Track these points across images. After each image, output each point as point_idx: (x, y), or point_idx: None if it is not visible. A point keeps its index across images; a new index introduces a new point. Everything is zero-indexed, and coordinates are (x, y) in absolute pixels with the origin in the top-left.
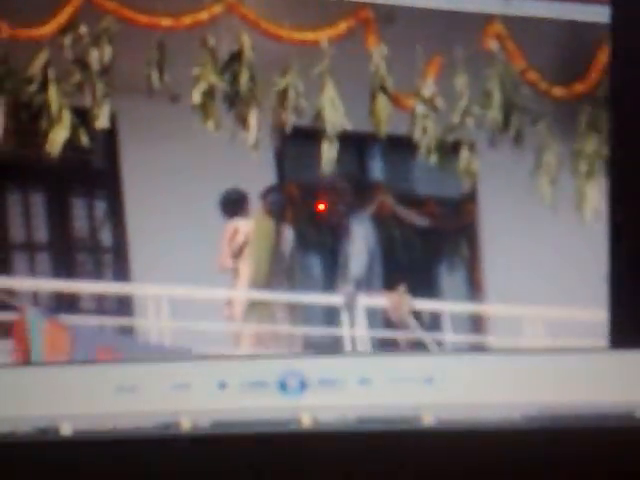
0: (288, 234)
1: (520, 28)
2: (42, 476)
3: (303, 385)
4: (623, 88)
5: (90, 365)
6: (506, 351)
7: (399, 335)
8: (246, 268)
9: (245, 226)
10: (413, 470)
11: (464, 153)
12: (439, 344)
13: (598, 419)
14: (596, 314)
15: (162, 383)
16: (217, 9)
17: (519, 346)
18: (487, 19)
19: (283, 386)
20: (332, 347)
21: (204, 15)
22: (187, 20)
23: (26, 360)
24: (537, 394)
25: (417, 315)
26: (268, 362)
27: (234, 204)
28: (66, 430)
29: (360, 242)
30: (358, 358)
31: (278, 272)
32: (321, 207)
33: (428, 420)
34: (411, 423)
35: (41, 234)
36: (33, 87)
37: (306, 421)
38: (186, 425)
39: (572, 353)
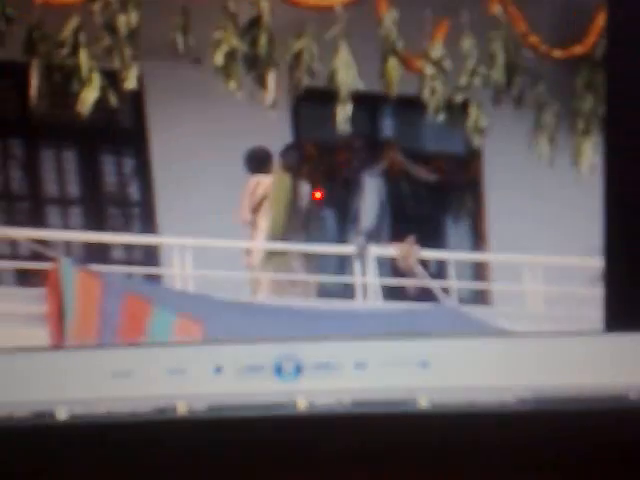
0: (304, 189)
1: None
2: (38, 459)
3: (299, 369)
4: (619, 49)
5: (86, 350)
6: (501, 334)
7: (407, 283)
8: (264, 221)
9: (265, 181)
10: (409, 452)
11: (473, 111)
12: (445, 291)
13: (593, 401)
14: (592, 261)
15: (158, 368)
16: None
17: (515, 330)
18: None
19: (279, 370)
20: (344, 294)
21: None
22: None
23: (59, 308)
24: (531, 377)
25: (424, 264)
26: (264, 346)
27: (258, 161)
28: (62, 414)
29: (372, 196)
30: (354, 342)
31: (294, 224)
32: (317, 195)
33: (423, 403)
34: (406, 406)
35: (73, 189)
36: (65, 51)
37: (302, 405)
38: (182, 409)
39: (567, 336)
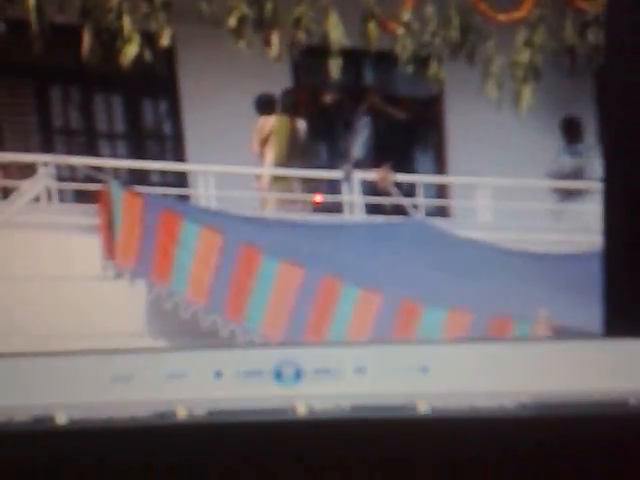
0: (301, 126)
1: None
2: (37, 465)
3: (298, 374)
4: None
5: (86, 354)
6: (500, 340)
7: (385, 201)
8: (270, 152)
9: (270, 121)
10: (408, 458)
11: (433, 64)
12: (414, 207)
13: (592, 407)
14: (532, 182)
15: (158, 372)
16: None
17: (516, 336)
18: None
19: (279, 375)
20: (335, 209)
21: None
22: None
23: (109, 221)
24: (531, 382)
25: (398, 185)
26: (263, 351)
27: (265, 104)
28: (61, 419)
29: (357, 131)
30: (353, 347)
31: (294, 154)
32: (317, 199)
33: (423, 408)
34: (406, 411)
35: (119, 126)
36: (112, 16)
37: (301, 410)
38: (182, 414)
39: (566, 341)
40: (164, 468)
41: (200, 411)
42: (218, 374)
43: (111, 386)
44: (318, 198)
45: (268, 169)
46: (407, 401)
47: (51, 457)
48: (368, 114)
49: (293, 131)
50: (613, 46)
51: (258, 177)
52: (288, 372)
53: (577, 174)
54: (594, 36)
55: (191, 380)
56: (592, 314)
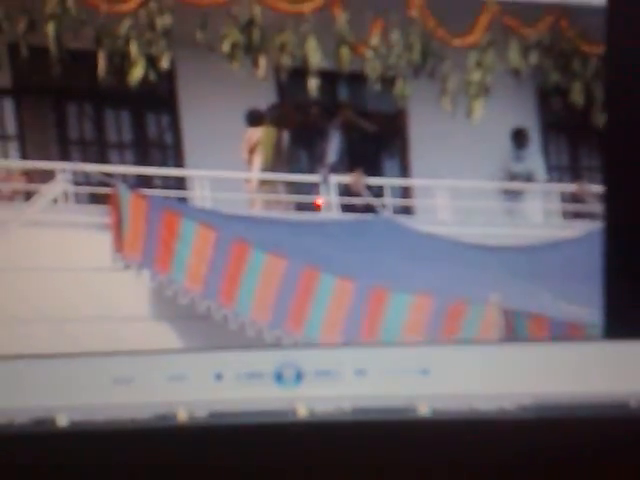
0: (285, 136)
1: (433, 0)
2: (39, 466)
3: (299, 376)
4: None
5: (86, 357)
6: (501, 342)
7: (357, 201)
8: (258, 159)
9: (258, 132)
10: (409, 459)
11: (398, 82)
12: (383, 206)
13: (593, 409)
14: (485, 183)
15: (158, 374)
16: None
17: (514, 339)
18: None
19: (279, 377)
20: (313, 209)
21: None
22: None
23: (118, 219)
24: (532, 384)
25: (369, 187)
26: (264, 353)
27: (253, 118)
28: (62, 421)
29: (333, 140)
30: (354, 349)
31: (279, 161)
32: (319, 202)
33: (423, 410)
34: (406, 413)
35: (127, 136)
36: (121, 42)
37: (302, 412)
38: (182, 416)
39: (567, 344)
40: (165, 469)
41: (201, 413)
42: (219, 376)
43: (112, 388)
44: (319, 201)
45: (256, 174)
46: (408, 403)
47: (52, 459)
48: (342, 126)
49: (278, 141)
50: (614, 49)
51: (247, 181)
52: (289, 374)
53: (524, 176)
54: (535, 58)
55: (192, 382)
56: (538, 299)
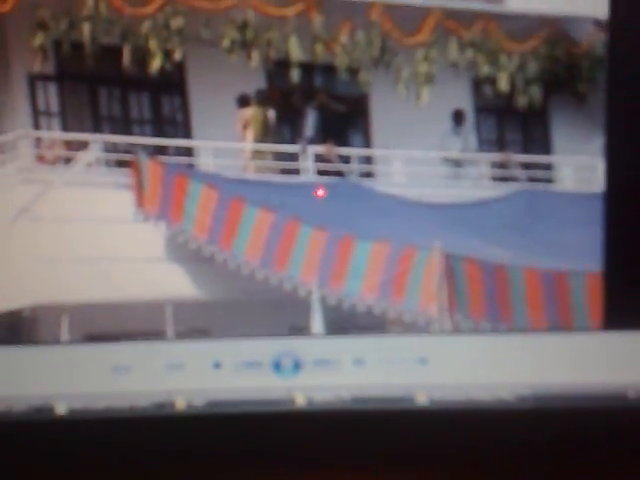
0: (271, 114)
1: (389, 7)
2: (37, 454)
3: (297, 365)
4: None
5: (85, 345)
6: (499, 332)
7: (329, 167)
8: (249, 133)
9: (248, 111)
10: (407, 449)
11: (362, 72)
12: (350, 172)
13: (591, 399)
14: (431, 153)
15: (157, 363)
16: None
17: (513, 327)
18: (372, 2)
19: (278, 366)
20: (294, 172)
21: (229, 2)
22: (221, 5)
23: (139, 181)
24: (530, 375)
25: (339, 156)
26: (263, 342)
27: (243, 101)
28: (61, 409)
29: (310, 118)
30: (352, 339)
31: (267, 135)
32: (320, 193)
33: (422, 400)
34: (405, 403)
35: (146, 114)
36: (142, 39)
37: (300, 401)
38: (181, 404)
39: (566, 334)
40: (163, 457)
41: (199, 402)
42: (217, 365)
43: (110, 376)
44: (320, 192)
45: (249, 145)
46: (406, 392)
47: (50, 447)
48: (317, 107)
49: (264, 118)
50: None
51: (242, 151)
52: (287, 363)
53: (461, 147)
54: (470, 54)
55: (190, 371)
56: (472, 245)
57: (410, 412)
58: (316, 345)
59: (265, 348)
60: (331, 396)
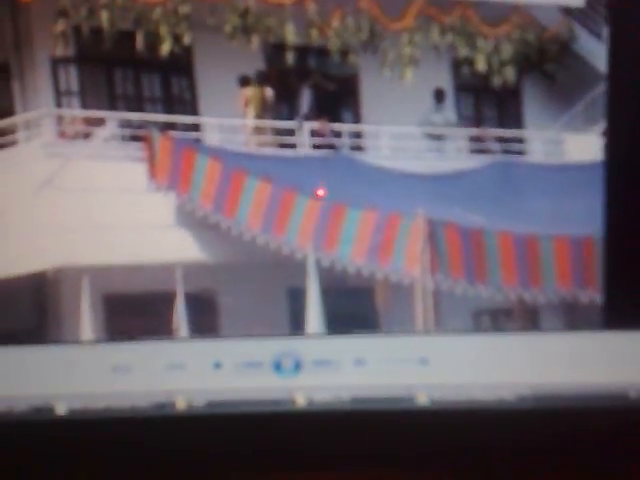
0: (269, 93)
1: None
2: (37, 454)
3: (298, 365)
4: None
5: (86, 345)
6: (500, 332)
7: (323, 142)
8: (250, 110)
9: (249, 90)
10: (407, 449)
11: (352, 55)
12: (342, 146)
13: (592, 399)
14: (415, 129)
15: (157, 363)
16: None
17: (512, 327)
18: None
19: (278, 366)
20: (292, 147)
21: None
22: None
23: (151, 154)
24: (531, 375)
25: (333, 132)
26: (263, 343)
27: (243, 81)
28: (61, 409)
29: (305, 96)
30: (353, 339)
31: (265, 112)
32: (320, 193)
33: (422, 400)
34: (405, 403)
35: (157, 93)
36: (153, 24)
37: (301, 401)
38: (181, 405)
39: (567, 334)
40: (163, 457)
41: (199, 402)
42: (217, 365)
43: (111, 376)
44: (320, 192)
45: (250, 121)
46: (406, 393)
47: (51, 447)
48: (312, 86)
49: (263, 97)
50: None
51: (244, 126)
52: (287, 363)
53: (442, 123)
54: (450, 38)
55: (190, 371)
56: (451, 212)
57: (411, 412)
58: (317, 345)
59: (265, 348)
60: (332, 396)
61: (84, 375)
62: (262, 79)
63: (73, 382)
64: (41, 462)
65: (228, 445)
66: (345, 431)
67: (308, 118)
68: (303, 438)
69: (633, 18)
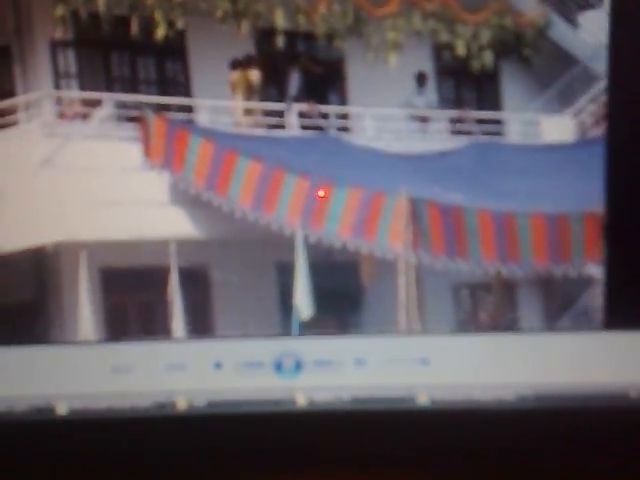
0: (255, 76)
1: None
2: (38, 454)
3: (299, 366)
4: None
5: (86, 345)
6: (500, 333)
7: (311, 123)
8: (239, 92)
9: (235, 74)
10: (408, 449)
11: (338, 39)
12: (329, 127)
13: (592, 400)
14: (398, 110)
15: (158, 363)
16: None
17: (514, 327)
18: None
19: (279, 366)
20: (281, 127)
21: None
22: None
23: (146, 134)
24: (531, 375)
25: (320, 114)
26: (264, 343)
27: (234, 64)
28: (62, 409)
29: (294, 79)
30: (354, 339)
31: (252, 94)
32: (321, 194)
33: (423, 400)
34: (406, 403)
35: (152, 75)
36: (149, 10)
37: (301, 401)
38: (182, 405)
39: (567, 334)
40: (164, 457)
41: (200, 402)
42: (218, 365)
43: (111, 377)
44: (321, 193)
45: (240, 103)
46: (407, 393)
47: (51, 447)
48: (300, 69)
49: (248, 80)
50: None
51: (235, 108)
52: (288, 363)
53: (424, 105)
54: (431, 24)
55: (191, 371)
56: (432, 190)
57: (411, 412)
58: (317, 345)
59: (266, 348)
60: (332, 396)
61: (85, 375)
62: (247, 63)
63: (74, 382)
64: (41, 462)
65: (228, 445)
66: (345, 431)
67: (297, 100)
68: (303, 438)
69: (633, 18)
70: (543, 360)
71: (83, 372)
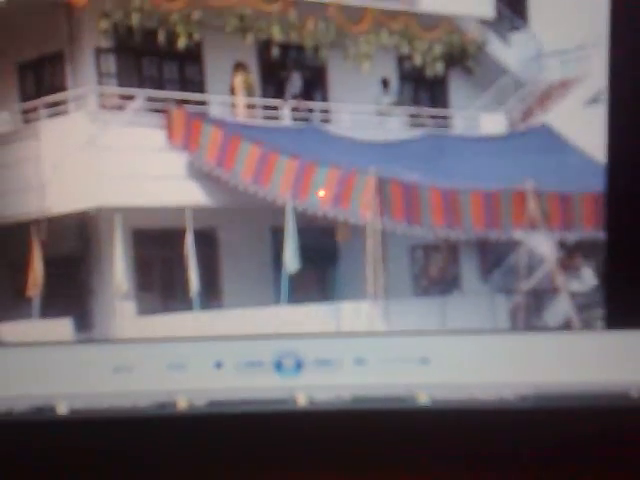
0: (252, 79)
1: (341, 7)
2: (38, 454)
3: (299, 365)
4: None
5: (87, 345)
6: (501, 331)
7: (300, 116)
8: (240, 90)
9: (236, 77)
10: (408, 449)
11: (322, 50)
12: (313, 119)
13: (594, 399)
14: (367, 107)
15: (158, 363)
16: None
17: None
18: (329, 3)
19: (279, 366)
20: (275, 118)
21: (233, 1)
22: (227, 3)
23: (170, 123)
24: (532, 374)
25: (307, 109)
26: (264, 342)
27: (235, 68)
28: (62, 409)
29: (295, 80)
30: (354, 338)
31: (253, 91)
32: (321, 194)
33: (423, 399)
34: (406, 402)
35: (174, 76)
36: (172, 25)
37: (302, 401)
38: (182, 404)
39: (568, 333)
40: (165, 457)
41: (200, 401)
42: (218, 364)
43: (112, 376)
44: (321, 193)
45: (241, 99)
46: (407, 392)
47: (52, 447)
48: (299, 72)
49: (247, 81)
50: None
51: (239, 103)
52: (288, 363)
53: (388, 104)
54: (395, 39)
55: (192, 371)
56: (395, 171)
57: (411, 412)
58: (317, 345)
59: (267, 348)
60: (332, 396)
61: (85, 375)
62: (244, 67)
63: (74, 382)
64: (42, 462)
65: (229, 445)
66: (346, 430)
67: (295, 97)
68: (304, 437)
69: (633, 18)
70: (544, 359)
71: (84, 371)
